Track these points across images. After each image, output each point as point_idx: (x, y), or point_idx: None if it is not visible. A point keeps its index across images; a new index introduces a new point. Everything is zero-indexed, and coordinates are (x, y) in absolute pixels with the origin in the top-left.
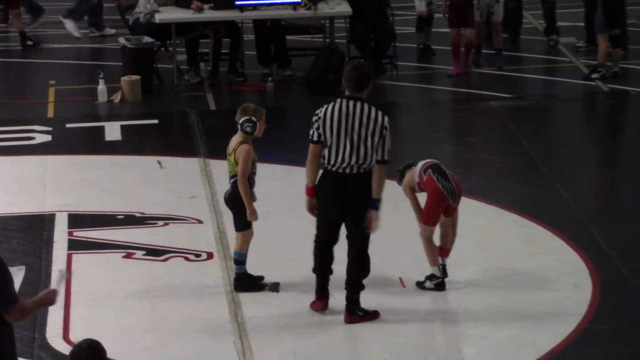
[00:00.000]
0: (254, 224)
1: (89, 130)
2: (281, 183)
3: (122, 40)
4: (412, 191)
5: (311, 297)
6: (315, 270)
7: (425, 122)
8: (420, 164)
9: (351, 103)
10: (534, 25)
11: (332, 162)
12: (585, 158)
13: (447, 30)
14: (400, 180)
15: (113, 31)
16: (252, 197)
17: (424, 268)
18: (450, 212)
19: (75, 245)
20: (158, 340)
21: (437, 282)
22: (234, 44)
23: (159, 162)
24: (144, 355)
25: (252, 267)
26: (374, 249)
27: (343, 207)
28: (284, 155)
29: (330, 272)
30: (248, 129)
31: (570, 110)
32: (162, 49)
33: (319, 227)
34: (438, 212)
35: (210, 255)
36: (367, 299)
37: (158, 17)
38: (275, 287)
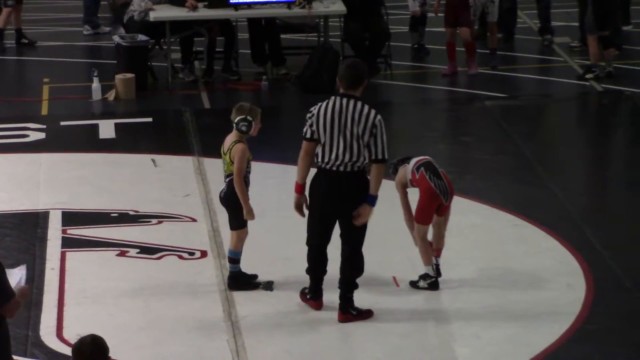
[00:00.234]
0: (249, 223)
1: (83, 128)
2: (276, 182)
3: (116, 38)
4: (403, 188)
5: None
6: (308, 271)
7: (419, 122)
8: (413, 161)
9: (344, 101)
10: (528, 24)
11: (325, 160)
12: (580, 158)
13: (442, 29)
14: (393, 173)
15: (107, 29)
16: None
17: (418, 267)
18: (442, 211)
19: (68, 242)
20: (151, 338)
21: (431, 282)
22: (229, 43)
23: (153, 160)
24: (137, 353)
25: (246, 266)
26: (368, 248)
27: (337, 205)
28: (279, 154)
29: (325, 273)
30: (243, 128)
31: (564, 110)
32: (157, 47)
33: (311, 228)
34: (431, 211)
35: (204, 254)
36: (361, 298)
37: (152, 15)
38: (269, 286)
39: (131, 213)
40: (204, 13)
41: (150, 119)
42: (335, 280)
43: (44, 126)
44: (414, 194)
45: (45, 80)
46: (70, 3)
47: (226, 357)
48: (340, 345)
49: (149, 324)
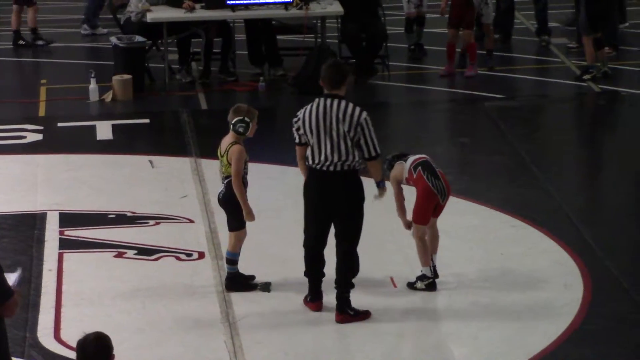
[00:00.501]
0: (247, 224)
1: (80, 130)
2: (273, 183)
3: (113, 39)
4: (398, 184)
5: (302, 296)
6: (307, 274)
7: (416, 123)
8: (411, 159)
9: (329, 101)
10: (525, 25)
11: (315, 161)
12: (577, 158)
13: (439, 30)
14: (388, 169)
15: (105, 30)
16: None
17: (415, 268)
18: (438, 211)
19: (66, 244)
20: (149, 339)
21: (428, 283)
22: (226, 44)
23: (150, 162)
24: (134, 354)
25: (244, 267)
26: (365, 248)
27: (330, 205)
28: (275, 155)
29: (322, 275)
30: (240, 130)
31: (561, 110)
32: (154, 48)
33: (307, 230)
34: (429, 211)
35: (201, 255)
36: (358, 299)
37: (150, 17)
38: (266, 287)
39: (128, 214)
40: (201, 14)
41: (147, 120)
42: (332, 281)
43: (42, 127)
44: (408, 191)
45: (43, 81)
46: (70, 4)
47: (224, 358)
48: (337, 346)
49: (147, 325)
